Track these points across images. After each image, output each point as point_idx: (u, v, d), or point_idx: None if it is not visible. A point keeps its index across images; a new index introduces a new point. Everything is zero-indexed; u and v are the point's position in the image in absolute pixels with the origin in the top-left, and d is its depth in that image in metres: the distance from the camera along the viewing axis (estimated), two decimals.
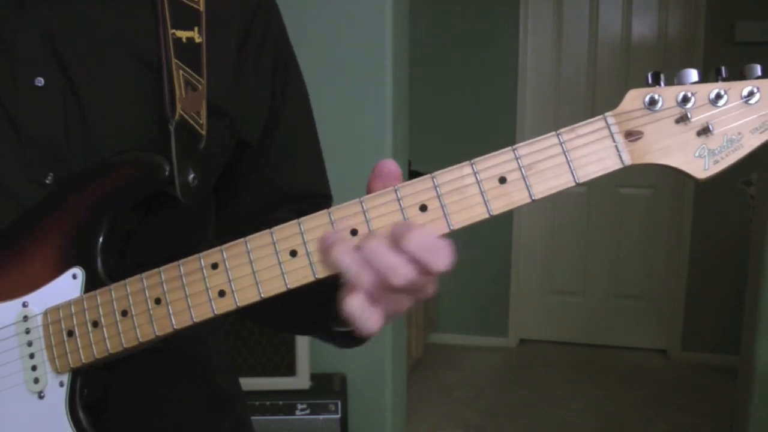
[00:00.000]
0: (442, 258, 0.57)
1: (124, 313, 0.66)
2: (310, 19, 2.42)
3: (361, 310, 0.58)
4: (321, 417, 2.37)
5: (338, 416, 2.37)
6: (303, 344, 2.34)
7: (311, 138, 0.92)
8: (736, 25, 3.91)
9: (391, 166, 0.61)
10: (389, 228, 0.59)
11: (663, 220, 4.29)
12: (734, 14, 3.93)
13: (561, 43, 4.32)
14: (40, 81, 0.72)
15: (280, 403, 2.35)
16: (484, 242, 4.32)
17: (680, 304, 4.27)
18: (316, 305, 0.74)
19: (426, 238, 0.57)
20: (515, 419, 3.54)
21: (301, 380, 2.38)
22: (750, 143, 0.56)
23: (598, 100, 4.27)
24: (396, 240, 0.58)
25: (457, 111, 4.39)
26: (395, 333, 2.59)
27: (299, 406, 2.36)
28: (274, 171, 0.86)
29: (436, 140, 4.34)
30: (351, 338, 0.74)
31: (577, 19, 4.29)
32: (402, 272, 0.57)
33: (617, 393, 3.82)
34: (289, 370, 2.36)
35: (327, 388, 2.42)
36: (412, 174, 3.62)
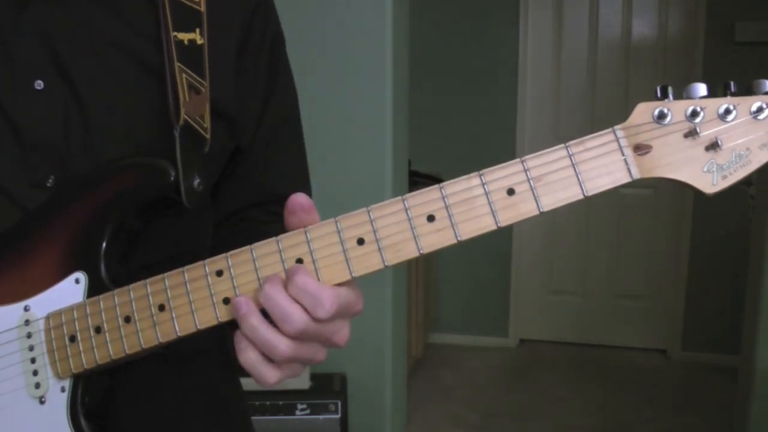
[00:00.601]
0: (320, 306, 0.59)
1: (128, 319, 0.66)
2: (310, 19, 2.42)
3: (256, 363, 0.61)
4: (321, 417, 2.37)
5: (338, 416, 2.37)
6: None
7: (295, 139, 0.91)
8: (736, 25, 3.90)
9: (302, 200, 0.62)
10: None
11: (663, 220, 4.28)
12: (734, 14, 3.92)
13: (561, 43, 4.32)
14: (39, 84, 0.71)
15: (280, 403, 2.35)
16: (484, 242, 4.30)
17: (680, 304, 4.27)
18: None
19: (309, 283, 0.59)
20: (515, 419, 3.54)
21: (300, 380, 2.37)
22: (758, 159, 0.56)
23: (598, 101, 4.27)
24: (285, 283, 0.60)
25: (457, 111, 4.38)
26: (395, 333, 2.59)
27: (299, 406, 2.36)
28: (255, 171, 0.86)
29: (436, 140, 4.33)
30: None
31: (577, 19, 4.28)
32: (294, 320, 0.59)
33: (617, 393, 3.82)
34: None
35: (327, 388, 2.42)
36: (412, 174, 3.62)
